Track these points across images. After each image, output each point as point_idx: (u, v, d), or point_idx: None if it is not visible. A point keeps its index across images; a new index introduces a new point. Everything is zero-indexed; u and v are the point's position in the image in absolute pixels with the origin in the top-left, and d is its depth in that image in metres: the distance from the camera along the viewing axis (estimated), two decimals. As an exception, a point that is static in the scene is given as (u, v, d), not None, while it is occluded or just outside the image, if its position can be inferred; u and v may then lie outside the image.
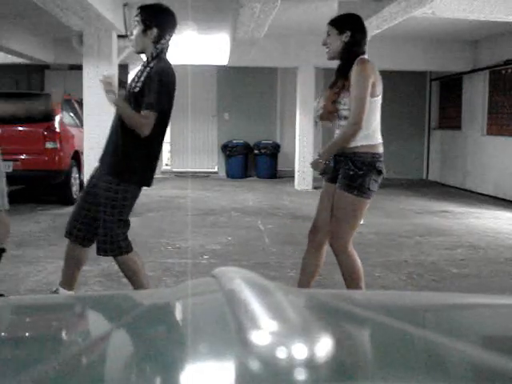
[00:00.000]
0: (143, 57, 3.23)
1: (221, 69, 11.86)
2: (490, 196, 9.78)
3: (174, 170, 12.58)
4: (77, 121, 8.37)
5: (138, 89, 3.05)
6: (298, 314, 0.63)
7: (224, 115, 12.71)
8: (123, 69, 9.74)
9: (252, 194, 9.66)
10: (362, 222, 3.30)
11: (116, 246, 3.10)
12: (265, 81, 12.56)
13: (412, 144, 12.54)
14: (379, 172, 3.11)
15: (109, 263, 4.72)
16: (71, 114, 8.45)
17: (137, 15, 3.11)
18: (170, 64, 3.15)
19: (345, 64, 3.15)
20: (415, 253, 5.49)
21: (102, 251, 3.14)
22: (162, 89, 3.01)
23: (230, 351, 0.62)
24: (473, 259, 5.29)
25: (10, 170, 6.54)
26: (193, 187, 10.27)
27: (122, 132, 3.08)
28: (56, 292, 3.35)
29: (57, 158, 7.49)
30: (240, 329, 0.60)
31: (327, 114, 3.25)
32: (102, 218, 3.08)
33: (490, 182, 9.93)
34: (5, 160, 3.66)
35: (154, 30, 3.06)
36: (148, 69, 3.08)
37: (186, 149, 12.15)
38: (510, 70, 9.50)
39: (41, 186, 7.99)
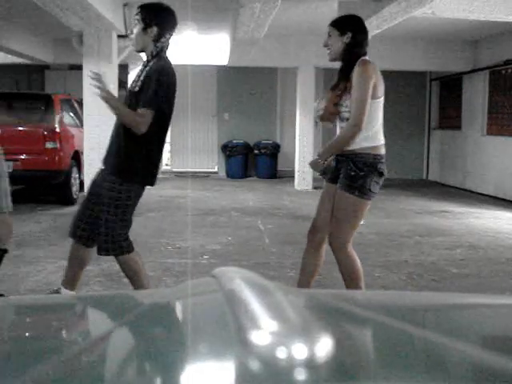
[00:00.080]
0: (143, 56, 3.23)
1: (221, 69, 11.86)
2: (490, 196, 9.78)
3: (174, 170, 12.58)
4: (77, 121, 8.37)
5: (137, 88, 3.05)
6: (298, 314, 0.63)
7: (224, 115, 12.70)
8: (123, 69, 9.74)
9: (252, 194, 9.66)
10: (361, 222, 3.30)
11: (117, 245, 3.10)
12: (265, 81, 12.56)
13: (412, 144, 12.54)
14: (380, 173, 3.10)
15: (109, 263, 4.72)
16: (71, 114, 8.45)
17: (137, 14, 3.12)
18: (170, 63, 3.15)
19: (347, 65, 3.14)
20: (415, 253, 5.49)
21: (103, 251, 3.14)
22: (160, 87, 3.00)
23: (230, 351, 0.62)
24: (473, 259, 5.29)
25: (10, 170, 6.53)
26: (193, 187, 10.27)
27: (124, 132, 3.08)
28: (57, 291, 3.35)
29: (57, 158, 7.49)
30: (240, 329, 0.60)
31: (328, 116, 3.25)
32: (104, 217, 3.08)
33: (490, 182, 9.93)
34: (5, 160, 3.66)
35: (154, 29, 3.06)
36: (148, 68, 3.09)
37: (186, 149, 12.15)
38: (510, 70, 9.50)
39: (41, 185, 7.99)
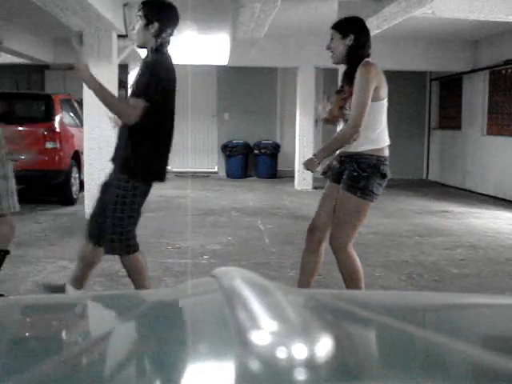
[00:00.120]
0: (145, 53, 3.25)
1: (221, 69, 11.86)
2: (490, 196, 9.78)
3: (174, 170, 12.56)
4: (77, 121, 8.37)
5: (134, 83, 3.09)
6: (298, 314, 0.63)
7: (224, 115, 12.70)
8: (123, 69, 9.74)
9: (252, 194, 9.66)
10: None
11: (125, 244, 3.10)
12: (265, 81, 12.56)
13: (412, 144, 12.54)
14: (383, 175, 3.10)
15: (109, 263, 4.72)
16: (71, 114, 8.45)
17: (139, 10, 3.14)
18: (170, 58, 3.16)
19: (350, 68, 3.14)
20: (415, 253, 5.49)
21: (110, 250, 3.15)
22: (153, 78, 3.01)
23: (230, 351, 0.62)
24: (473, 259, 5.29)
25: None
26: (193, 187, 10.27)
27: (128, 130, 3.10)
28: (62, 287, 3.33)
29: (57, 158, 7.49)
30: (240, 329, 0.60)
31: (332, 119, 3.25)
32: (111, 215, 3.08)
33: (490, 182, 9.93)
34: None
35: (156, 25, 3.07)
36: (145, 61, 3.12)
37: (186, 149, 12.14)
38: (510, 70, 9.50)
39: (41, 185, 7.99)
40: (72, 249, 5.34)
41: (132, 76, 10.05)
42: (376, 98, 3.05)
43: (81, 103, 7.53)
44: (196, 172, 12.45)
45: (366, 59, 3.11)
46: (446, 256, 5.39)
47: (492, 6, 6.10)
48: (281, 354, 0.54)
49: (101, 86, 3.03)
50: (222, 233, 6.19)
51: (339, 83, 3.53)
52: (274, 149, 12.18)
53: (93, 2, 5.45)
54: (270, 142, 12.29)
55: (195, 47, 9.91)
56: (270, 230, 6.44)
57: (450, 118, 11.76)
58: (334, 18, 5.74)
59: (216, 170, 12.83)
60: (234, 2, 6.09)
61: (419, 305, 1.03)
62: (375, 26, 6.32)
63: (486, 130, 10.16)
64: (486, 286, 4.43)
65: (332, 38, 3.18)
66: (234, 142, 12.20)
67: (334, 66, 3.35)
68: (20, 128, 7.47)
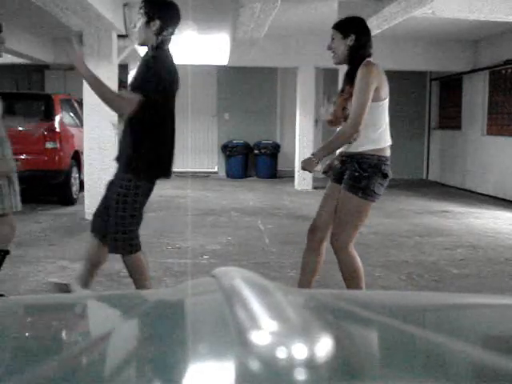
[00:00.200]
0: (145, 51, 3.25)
1: (221, 69, 11.86)
2: (490, 196, 9.78)
3: (174, 169, 12.55)
4: (77, 121, 8.37)
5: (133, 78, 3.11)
6: (298, 314, 0.63)
7: (224, 115, 12.71)
8: (123, 69, 9.73)
9: (252, 194, 9.66)
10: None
11: (127, 243, 3.10)
12: (265, 81, 12.56)
13: (412, 144, 12.54)
14: (385, 175, 3.10)
15: (109, 263, 4.72)
16: (71, 114, 8.45)
17: (141, 8, 3.15)
18: (170, 55, 3.17)
19: (352, 68, 3.14)
20: (415, 253, 5.49)
21: (112, 249, 3.15)
22: (153, 75, 3.02)
23: (230, 351, 0.62)
24: (473, 259, 5.29)
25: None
26: (193, 187, 10.27)
27: (130, 129, 3.11)
28: (66, 286, 3.33)
29: (57, 158, 7.49)
30: (240, 329, 0.60)
31: (336, 120, 3.24)
32: (113, 215, 3.09)
33: (490, 182, 9.93)
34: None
35: (157, 22, 3.08)
36: (145, 58, 3.14)
37: (186, 149, 12.14)
38: (510, 70, 9.50)
39: (41, 185, 7.99)
40: (72, 249, 5.34)
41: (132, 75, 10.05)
42: (377, 99, 3.05)
43: (81, 103, 7.53)
44: (196, 172, 12.45)
45: (368, 59, 3.10)
46: (445, 256, 5.39)
47: (492, 6, 6.10)
48: (281, 354, 0.54)
49: (96, 78, 3.05)
50: (221, 233, 6.19)
51: (339, 83, 3.54)
52: (274, 149, 12.18)
53: (93, 2, 5.45)
54: (270, 142, 12.29)
55: (195, 47, 9.91)
56: (270, 230, 6.44)
57: (450, 118, 11.76)
58: (334, 17, 5.74)
59: (216, 170, 12.83)
60: (234, 2, 6.09)
61: (419, 305, 1.03)
62: (375, 26, 6.32)
63: (486, 129, 10.16)
64: (486, 286, 4.43)
65: (333, 38, 3.18)
66: (234, 142, 12.20)
67: (334, 66, 3.35)
68: (20, 128, 7.47)
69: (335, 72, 8.22)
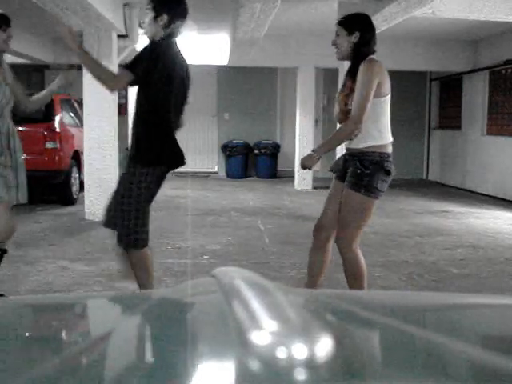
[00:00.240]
0: None
1: (221, 69, 11.86)
2: (490, 196, 9.78)
3: (174, 169, 12.56)
4: (77, 121, 8.37)
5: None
6: (298, 314, 0.63)
7: (224, 115, 12.71)
8: (123, 69, 9.73)
9: (252, 194, 9.66)
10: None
11: (132, 238, 3.10)
12: (265, 81, 12.56)
13: (412, 144, 12.54)
14: (387, 172, 3.09)
15: (108, 263, 4.72)
16: (71, 114, 8.45)
17: (148, 3, 3.18)
18: (175, 46, 3.19)
19: (354, 65, 3.14)
20: (415, 253, 5.49)
21: (118, 241, 3.17)
22: (143, 55, 3.04)
23: (230, 351, 0.62)
24: (473, 259, 5.29)
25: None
26: (193, 187, 10.27)
27: (138, 121, 3.15)
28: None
29: (57, 158, 7.49)
30: (240, 329, 0.60)
31: (344, 116, 3.22)
32: (118, 208, 3.11)
33: (490, 181, 9.93)
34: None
35: (165, 17, 3.11)
36: (147, 44, 3.16)
37: (186, 149, 12.03)
38: (510, 70, 9.50)
39: (41, 185, 7.99)
40: (72, 249, 5.34)
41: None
42: (379, 95, 3.05)
43: (81, 103, 7.52)
44: (196, 172, 12.44)
45: (371, 56, 3.10)
46: (446, 256, 5.39)
47: (492, 6, 6.10)
48: (281, 354, 0.54)
49: (86, 52, 3.10)
50: (221, 233, 6.19)
51: (339, 83, 3.53)
52: (274, 149, 12.18)
53: (93, 2, 5.45)
54: (270, 142, 12.29)
55: (195, 47, 9.91)
56: (270, 230, 6.44)
57: (450, 118, 11.76)
58: (334, 17, 5.74)
59: (216, 170, 12.83)
60: (234, 1, 6.09)
61: (419, 305, 1.03)
62: (375, 26, 6.31)
63: (486, 130, 10.16)
64: (486, 286, 4.43)
65: (338, 35, 3.17)
66: (234, 142, 12.20)
67: (334, 66, 3.36)
68: (20, 128, 7.46)
69: (335, 72, 8.22)
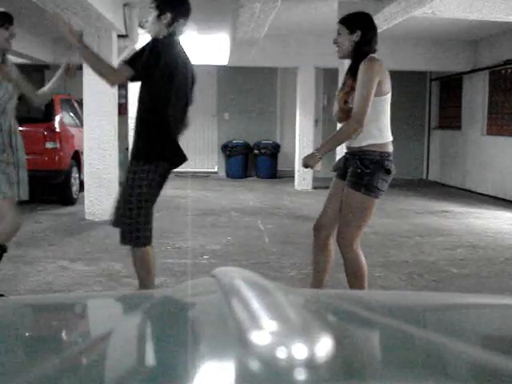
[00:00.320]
0: None
1: (221, 69, 11.86)
2: (490, 196, 9.78)
3: (174, 169, 12.56)
4: (77, 121, 8.37)
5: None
6: (298, 314, 0.63)
7: (224, 115, 12.71)
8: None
9: (252, 194, 9.66)
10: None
11: (134, 235, 3.11)
12: (265, 81, 12.56)
13: (412, 144, 12.54)
14: (387, 171, 3.09)
15: (108, 263, 4.72)
16: (71, 114, 8.45)
17: (152, 2, 3.19)
18: (177, 44, 3.20)
19: (355, 63, 3.14)
20: (415, 253, 5.49)
21: (121, 238, 3.17)
22: (143, 51, 3.05)
23: (230, 351, 0.62)
24: (473, 259, 5.29)
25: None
26: (193, 187, 10.27)
27: (139, 119, 3.16)
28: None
29: (57, 158, 7.49)
30: (240, 329, 0.60)
31: (343, 115, 3.22)
32: (122, 206, 3.13)
33: (490, 181, 9.93)
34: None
35: (168, 15, 3.14)
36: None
37: (186, 149, 12.04)
38: (509, 70, 9.50)
39: (41, 185, 7.99)
40: (72, 249, 5.34)
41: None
42: (379, 93, 3.05)
43: (81, 103, 7.52)
44: (196, 172, 12.45)
45: (371, 55, 3.11)
46: (446, 256, 5.39)
47: (492, 6, 6.10)
48: (281, 354, 0.54)
49: (86, 46, 3.10)
50: (221, 233, 6.19)
51: (339, 83, 3.53)
52: (274, 149, 12.18)
53: (93, 2, 5.45)
54: (270, 142, 12.29)
55: (195, 47, 9.91)
56: (270, 230, 6.44)
57: (450, 118, 11.76)
58: (334, 17, 5.74)
59: (216, 170, 12.83)
60: (233, 2, 6.09)
61: (419, 305, 1.03)
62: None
63: (486, 130, 10.16)
64: (486, 286, 4.43)
65: (339, 33, 3.18)
66: (234, 142, 12.20)
67: (334, 66, 3.36)
68: (20, 128, 7.46)
69: (335, 72, 8.21)
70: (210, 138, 12.87)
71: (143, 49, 3.06)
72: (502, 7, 6.11)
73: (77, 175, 8.04)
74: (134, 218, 3.08)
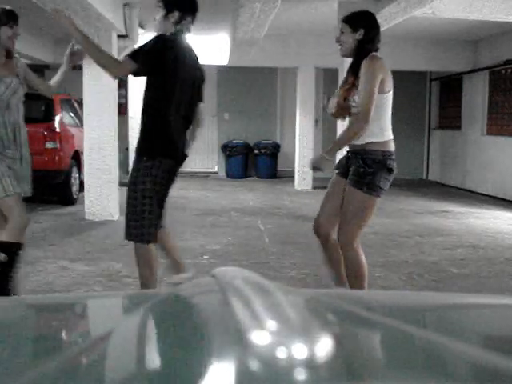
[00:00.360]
0: None
1: (221, 69, 11.86)
2: (490, 196, 9.78)
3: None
4: (77, 121, 8.37)
5: None
6: (298, 314, 0.63)
7: (224, 115, 12.71)
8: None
9: (252, 194, 9.66)
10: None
11: (139, 232, 3.10)
12: (265, 81, 12.56)
13: (412, 144, 12.54)
14: (390, 170, 3.10)
15: (108, 263, 4.72)
16: (71, 114, 8.45)
17: (159, 1, 3.20)
18: (183, 41, 3.21)
19: (357, 61, 3.15)
20: (415, 253, 5.49)
21: (125, 234, 3.18)
22: (147, 46, 3.05)
23: (230, 351, 0.62)
24: (473, 259, 5.29)
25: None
26: (193, 187, 10.27)
27: (143, 115, 3.16)
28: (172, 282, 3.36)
29: (57, 158, 7.49)
30: (240, 329, 0.60)
31: (341, 111, 3.23)
32: (126, 201, 3.14)
33: (490, 181, 9.93)
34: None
35: (176, 14, 3.15)
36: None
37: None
38: (509, 70, 9.50)
39: (41, 185, 7.99)
40: (72, 249, 5.34)
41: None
42: (381, 91, 3.05)
43: (81, 103, 7.52)
44: (196, 172, 12.45)
45: (373, 53, 3.11)
46: (446, 256, 5.39)
47: (492, 6, 6.10)
48: (281, 354, 0.54)
49: (87, 38, 3.12)
50: (221, 233, 6.19)
51: (340, 83, 3.54)
52: (274, 149, 12.18)
53: (93, 2, 5.46)
54: (270, 141, 12.29)
55: (195, 47, 9.91)
56: (270, 230, 6.44)
57: (450, 118, 11.76)
58: (334, 17, 5.74)
59: (216, 170, 12.83)
60: (233, 2, 6.09)
61: (419, 305, 1.03)
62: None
63: (486, 130, 10.16)
64: (486, 286, 4.43)
65: (342, 32, 3.19)
66: (234, 142, 12.20)
67: (334, 66, 3.36)
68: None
69: (335, 72, 8.21)
70: (209, 138, 12.87)
71: (147, 43, 3.07)
72: (502, 7, 6.11)
73: (77, 175, 8.05)
74: (138, 214, 3.08)
